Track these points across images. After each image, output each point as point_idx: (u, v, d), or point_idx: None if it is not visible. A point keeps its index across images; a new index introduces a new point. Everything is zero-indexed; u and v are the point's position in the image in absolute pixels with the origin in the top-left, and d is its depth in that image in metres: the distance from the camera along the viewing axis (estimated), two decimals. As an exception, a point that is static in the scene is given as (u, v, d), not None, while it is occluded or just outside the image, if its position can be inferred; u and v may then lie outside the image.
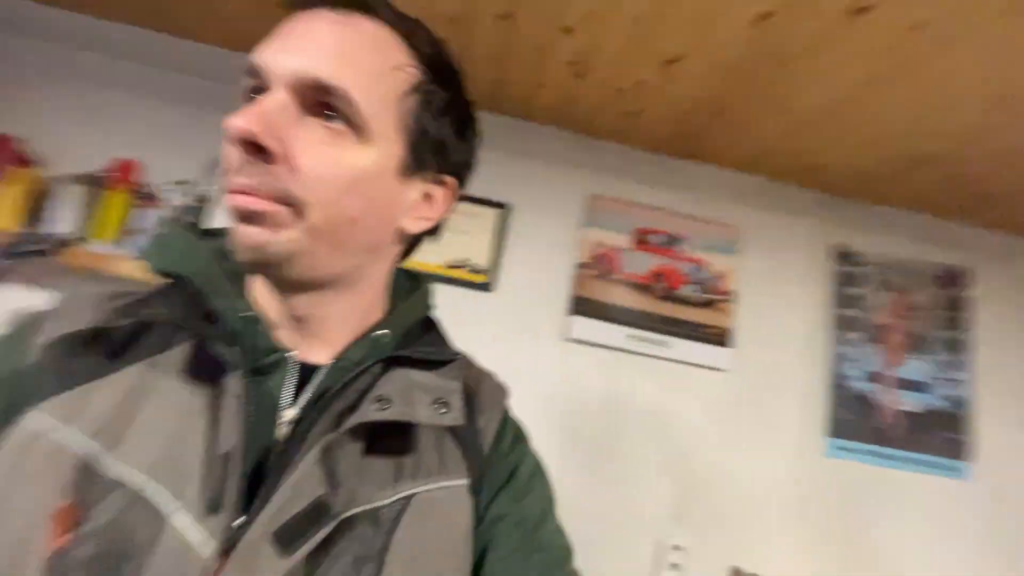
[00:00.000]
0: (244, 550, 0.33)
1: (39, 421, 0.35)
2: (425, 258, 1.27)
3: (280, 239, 0.36)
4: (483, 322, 1.28)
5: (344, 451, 0.38)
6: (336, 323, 0.43)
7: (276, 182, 0.35)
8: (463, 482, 0.42)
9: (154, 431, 0.35)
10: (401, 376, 0.42)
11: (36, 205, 1.22)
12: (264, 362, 0.39)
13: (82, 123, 1.35)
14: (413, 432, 0.41)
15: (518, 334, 1.28)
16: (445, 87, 0.42)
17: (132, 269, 1.13)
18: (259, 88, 0.37)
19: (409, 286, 0.50)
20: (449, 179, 0.45)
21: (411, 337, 0.47)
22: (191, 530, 0.33)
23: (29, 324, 0.40)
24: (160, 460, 0.35)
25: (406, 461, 0.40)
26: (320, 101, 0.36)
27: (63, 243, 1.15)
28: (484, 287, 1.26)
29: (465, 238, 1.26)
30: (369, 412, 0.38)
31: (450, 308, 1.22)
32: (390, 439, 0.40)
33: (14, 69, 1.34)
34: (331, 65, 0.36)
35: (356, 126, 0.37)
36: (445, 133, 0.43)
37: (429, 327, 0.50)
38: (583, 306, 1.29)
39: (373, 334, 0.44)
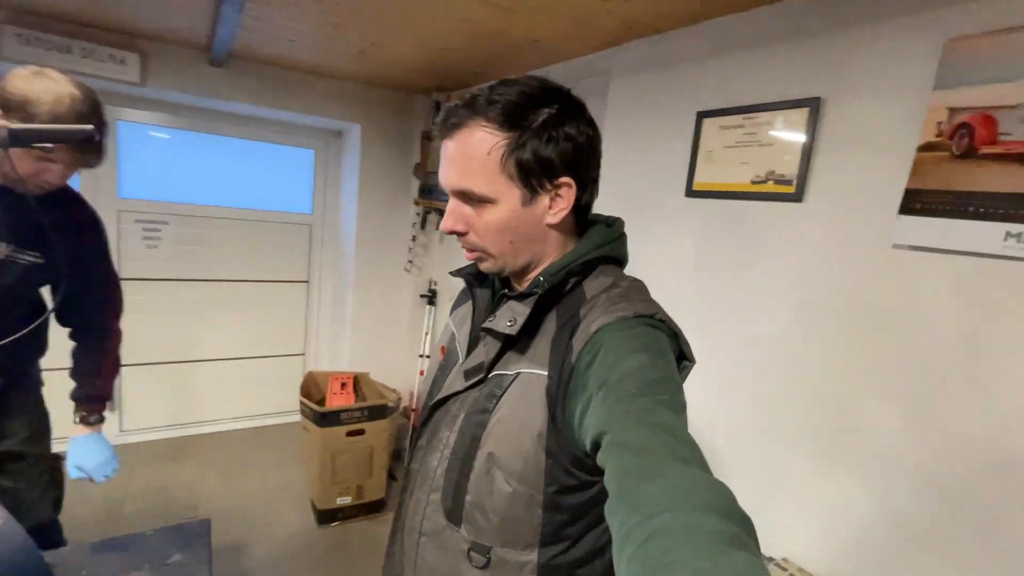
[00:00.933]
0: (454, 374, 0.73)
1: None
2: (732, 178, 1.36)
3: (488, 266, 0.69)
4: (793, 237, 1.23)
5: (490, 340, 0.68)
6: (528, 278, 0.70)
7: (473, 243, 0.67)
8: (544, 373, 0.63)
9: (462, 318, 0.80)
10: (507, 303, 0.68)
11: None
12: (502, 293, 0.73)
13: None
14: (529, 337, 0.66)
15: (833, 246, 1.16)
16: (531, 128, 0.61)
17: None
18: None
19: (597, 236, 0.69)
20: (564, 178, 0.63)
21: (573, 273, 0.66)
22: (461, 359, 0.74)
23: None
24: (455, 326, 0.80)
25: (525, 353, 0.65)
26: (465, 196, 0.65)
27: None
28: (793, 197, 1.21)
29: (769, 150, 1.24)
30: (488, 322, 0.68)
31: (760, 225, 1.31)
32: (516, 338, 0.66)
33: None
34: (455, 177, 0.64)
35: (484, 199, 0.64)
36: (544, 154, 0.61)
37: (596, 263, 0.68)
38: (926, 202, 1.00)
39: (534, 280, 0.67)
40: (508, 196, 0.63)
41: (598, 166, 0.69)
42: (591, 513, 0.67)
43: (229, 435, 3.09)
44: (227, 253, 2.99)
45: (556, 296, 0.67)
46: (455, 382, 0.71)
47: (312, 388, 2.63)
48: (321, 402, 2.56)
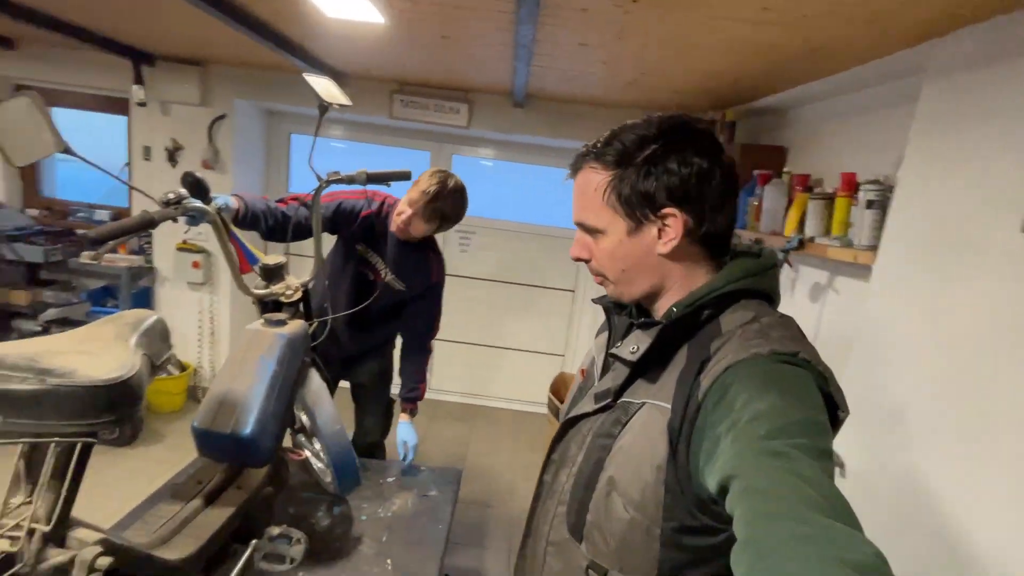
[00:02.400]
0: (587, 396, 0.75)
1: None
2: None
3: (611, 291, 0.75)
4: None
5: (619, 366, 0.70)
6: (661, 307, 0.71)
7: (594, 269, 0.74)
8: (668, 406, 0.62)
9: (601, 344, 0.84)
10: (635, 331, 0.71)
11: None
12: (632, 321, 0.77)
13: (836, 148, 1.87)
14: (659, 368, 0.66)
15: None
16: (633, 164, 0.65)
17: (849, 255, 1.54)
18: None
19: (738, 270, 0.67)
20: (669, 210, 0.65)
21: (705, 306, 0.65)
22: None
23: None
24: (595, 352, 0.84)
25: (654, 384, 0.66)
26: (584, 227, 0.72)
27: (809, 239, 1.72)
28: None
29: None
30: (615, 348, 0.72)
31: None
32: (645, 367, 0.67)
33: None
34: (575, 210, 0.72)
35: (595, 230, 0.70)
36: (643, 187, 0.64)
37: (735, 296, 0.66)
38: None
39: (668, 310, 0.68)
40: (614, 227, 0.68)
41: (722, 195, 0.66)
42: (716, 561, 0.64)
43: (502, 412, 3.70)
44: (513, 260, 3.58)
45: (689, 328, 0.66)
46: (587, 404, 0.74)
47: (560, 387, 2.92)
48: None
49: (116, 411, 0.67)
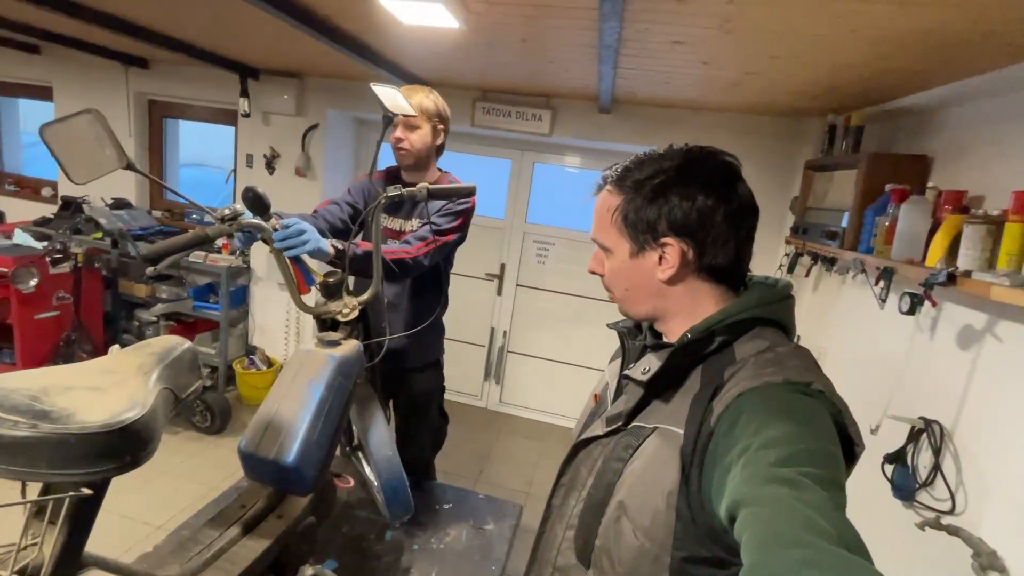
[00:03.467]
0: (597, 422, 0.75)
1: None
2: None
3: (619, 307, 0.77)
4: None
5: (632, 388, 0.70)
6: (671, 330, 0.73)
7: (605, 284, 0.76)
8: (680, 431, 0.62)
9: (615, 369, 0.83)
10: (647, 354, 0.71)
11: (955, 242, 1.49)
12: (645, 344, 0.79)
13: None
14: (672, 392, 0.66)
15: None
16: (642, 193, 0.68)
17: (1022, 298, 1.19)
18: None
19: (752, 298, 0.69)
20: (668, 239, 0.67)
21: (718, 333, 0.66)
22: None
23: None
24: (609, 377, 0.83)
25: (666, 408, 0.66)
26: (597, 242, 0.75)
27: (963, 273, 1.37)
28: None
29: None
30: (627, 369, 0.73)
31: None
32: (658, 391, 0.68)
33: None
34: (592, 230, 0.75)
35: (607, 250, 0.74)
36: (646, 215, 0.68)
37: (750, 324, 0.67)
38: None
39: (682, 335, 0.69)
40: (619, 247, 0.72)
41: (729, 229, 0.67)
42: None
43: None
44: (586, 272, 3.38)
45: (701, 353, 0.67)
46: (598, 427, 0.74)
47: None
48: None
49: (117, 458, 0.62)
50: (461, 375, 3.59)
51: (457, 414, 3.49)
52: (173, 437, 2.84)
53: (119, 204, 3.36)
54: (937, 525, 1.29)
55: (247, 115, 3.10)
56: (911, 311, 1.54)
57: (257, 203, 1.15)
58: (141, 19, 2.16)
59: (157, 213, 3.61)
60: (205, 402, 2.83)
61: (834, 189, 2.18)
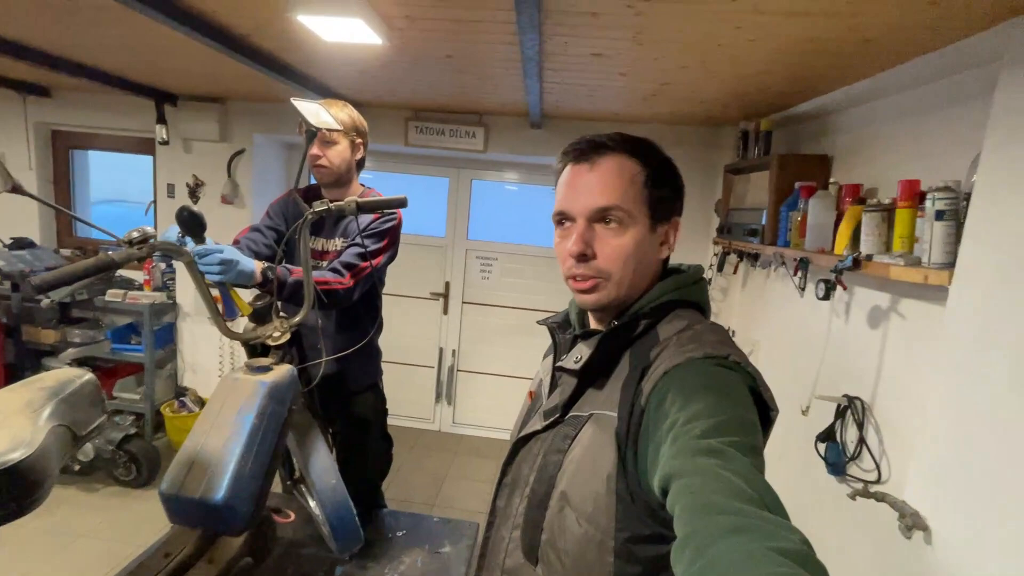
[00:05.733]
0: (536, 415, 0.75)
1: None
2: None
3: (601, 296, 0.70)
4: None
5: (566, 379, 0.71)
6: (604, 320, 0.74)
7: (598, 268, 0.69)
8: (614, 414, 0.64)
9: (548, 364, 0.82)
10: (578, 343, 0.72)
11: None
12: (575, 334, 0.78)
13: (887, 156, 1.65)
14: (604, 379, 0.68)
15: None
16: (659, 168, 0.70)
17: (918, 275, 1.31)
18: (564, 219, 0.71)
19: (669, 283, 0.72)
20: (676, 218, 0.72)
21: (643, 316, 0.69)
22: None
23: None
24: (543, 373, 0.82)
25: (600, 395, 0.68)
26: (603, 215, 0.68)
27: (866, 257, 1.50)
28: None
29: None
30: (560, 360, 0.73)
31: None
32: (592, 379, 0.69)
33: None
34: (597, 197, 0.68)
35: (623, 219, 0.68)
36: (665, 194, 0.70)
37: (670, 306, 0.70)
38: None
39: (608, 321, 0.72)
40: (641, 220, 0.69)
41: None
42: (669, 570, 0.59)
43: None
44: (538, 286, 3.41)
45: (629, 338, 0.69)
46: (536, 422, 0.75)
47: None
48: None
49: (3, 503, 0.55)
50: (411, 399, 3.51)
51: (409, 440, 3.40)
52: (92, 495, 2.58)
53: (20, 244, 3.07)
54: (865, 493, 1.37)
55: (166, 143, 2.95)
56: (826, 296, 1.66)
57: (192, 223, 1.08)
58: (37, 43, 2.02)
59: (66, 251, 3.33)
60: (129, 452, 2.60)
61: (752, 190, 2.33)
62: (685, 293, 0.72)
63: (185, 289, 3.13)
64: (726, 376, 0.60)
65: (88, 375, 0.79)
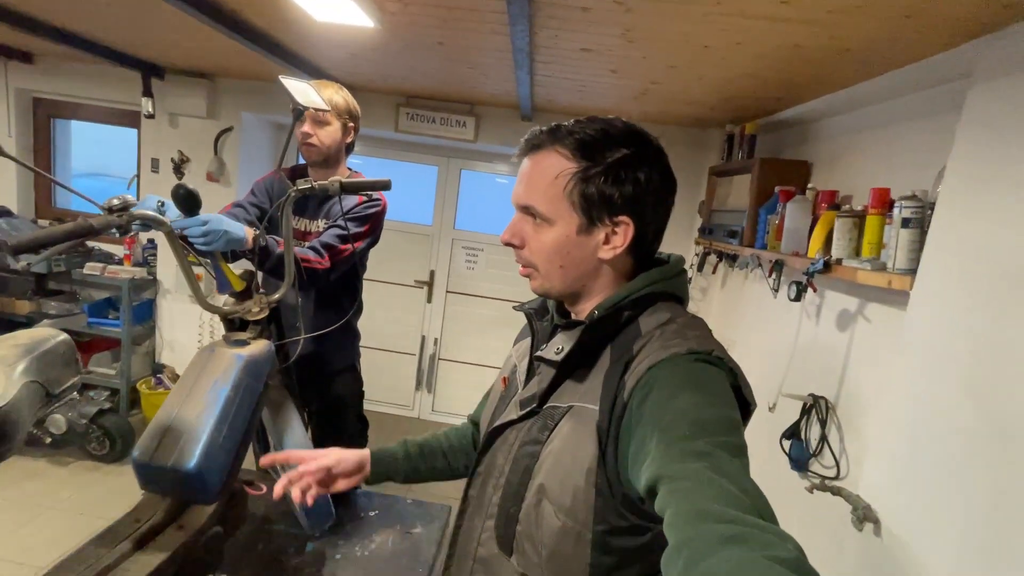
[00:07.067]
0: (512, 404, 0.74)
1: None
2: None
3: (536, 285, 0.73)
4: None
5: (544, 369, 0.70)
6: (583, 309, 0.73)
7: (525, 258, 0.72)
8: (595, 408, 0.63)
9: (523, 351, 0.82)
10: (559, 333, 0.71)
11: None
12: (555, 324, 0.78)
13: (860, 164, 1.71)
14: (585, 370, 0.67)
15: None
16: (601, 165, 0.64)
17: (882, 280, 1.36)
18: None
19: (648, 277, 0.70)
20: (623, 218, 0.66)
21: (624, 308, 0.68)
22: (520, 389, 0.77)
23: None
24: (516, 359, 0.82)
25: (580, 387, 0.66)
26: (528, 211, 0.69)
27: (836, 261, 1.55)
28: None
29: None
30: (539, 350, 0.72)
31: None
32: (571, 370, 0.68)
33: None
34: (522, 192, 0.69)
35: (545, 219, 0.68)
36: (607, 190, 0.64)
37: (652, 299, 0.69)
38: None
39: (590, 312, 0.70)
40: (566, 221, 0.67)
41: (666, 217, 0.71)
42: (645, 560, 0.64)
43: (502, 436, 3.52)
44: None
45: (611, 330, 0.68)
46: (511, 411, 0.73)
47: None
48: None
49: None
50: (391, 386, 3.52)
51: (388, 426, 3.41)
52: (61, 468, 2.55)
53: (-3, 212, 3.01)
54: (823, 487, 1.42)
55: (151, 116, 2.90)
56: (797, 298, 1.71)
57: (189, 201, 1.08)
58: (21, 6, 1.98)
59: (45, 222, 3.26)
60: (103, 427, 2.58)
61: (734, 192, 2.38)
62: (668, 286, 0.70)
63: (167, 266, 3.10)
64: (709, 373, 0.60)
65: (63, 335, 0.79)
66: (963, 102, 1.21)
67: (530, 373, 0.76)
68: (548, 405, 0.69)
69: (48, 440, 2.55)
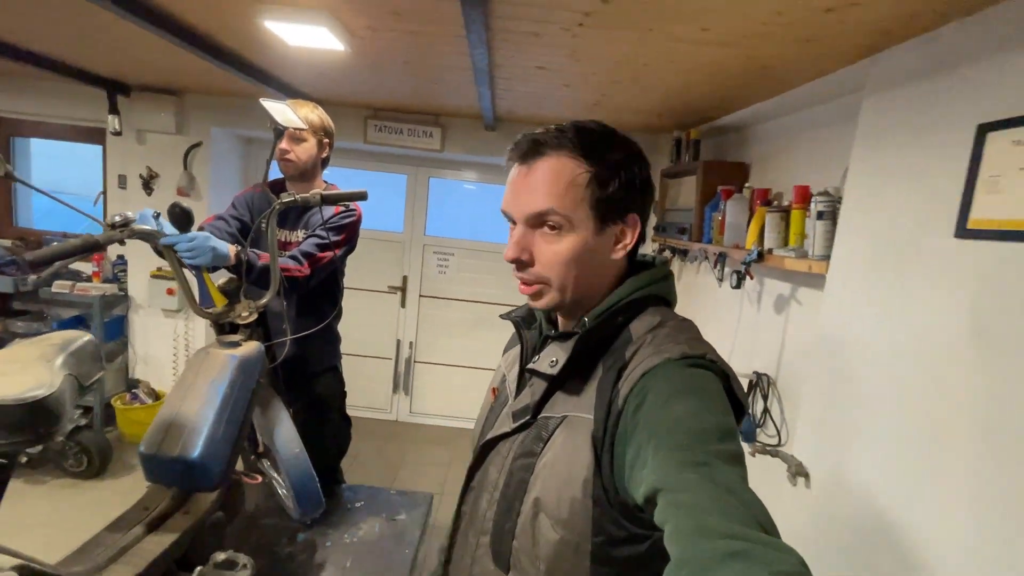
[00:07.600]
0: (503, 415, 0.72)
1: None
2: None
3: (545, 301, 0.69)
4: None
5: (536, 381, 0.69)
6: (576, 317, 0.71)
7: (536, 274, 0.67)
8: (590, 417, 0.62)
9: (512, 360, 0.79)
10: (551, 344, 0.69)
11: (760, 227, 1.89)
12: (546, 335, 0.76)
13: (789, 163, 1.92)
14: (577, 379, 0.65)
15: None
16: (609, 166, 0.64)
17: (804, 266, 1.56)
18: (509, 219, 0.69)
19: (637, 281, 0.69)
20: (631, 216, 0.66)
21: (615, 314, 0.67)
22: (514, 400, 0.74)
23: None
24: (506, 369, 0.80)
25: (573, 396, 0.65)
26: (540, 220, 0.65)
27: (768, 251, 1.75)
28: None
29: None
30: (532, 363, 0.70)
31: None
32: (563, 380, 0.66)
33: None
34: (534, 199, 0.64)
35: (563, 226, 0.64)
36: (618, 192, 0.64)
37: (642, 303, 0.67)
38: None
39: (580, 320, 0.68)
40: (584, 224, 0.65)
41: (651, 204, 0.71)
42: (645, 569, 0.62)
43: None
44: (493, 281, 3.58)
45: (603, 338, 0.67)
46: (504, 423, 0.71)
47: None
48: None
49: (31, 431, 0.67)
50: (369, 390, 3.60)
51: (367, 429, 3.49)
52: (39, 487, 2.55)
53: (-43, 233, 2.97)
54: (762, 450, 1.61)
55: (118, 133, 2.92)
56: (738, 285, 1.91)
57: (183, 219, 1.18)
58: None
59: (6, 242, 3.22)
60: (80, 443, 2.58)
61: (683, 192, 2.58)
62: (658, 289, 0.69)
63: (137, 281, 3.11)
64: (704, 378, 0.59)
65: (89, 336, 0.89)
66: (859, 110, 1.43)
67: (520, 383, 0.75)
68: (541, 416, 0.67)
69: (24, 460, 2.54)
